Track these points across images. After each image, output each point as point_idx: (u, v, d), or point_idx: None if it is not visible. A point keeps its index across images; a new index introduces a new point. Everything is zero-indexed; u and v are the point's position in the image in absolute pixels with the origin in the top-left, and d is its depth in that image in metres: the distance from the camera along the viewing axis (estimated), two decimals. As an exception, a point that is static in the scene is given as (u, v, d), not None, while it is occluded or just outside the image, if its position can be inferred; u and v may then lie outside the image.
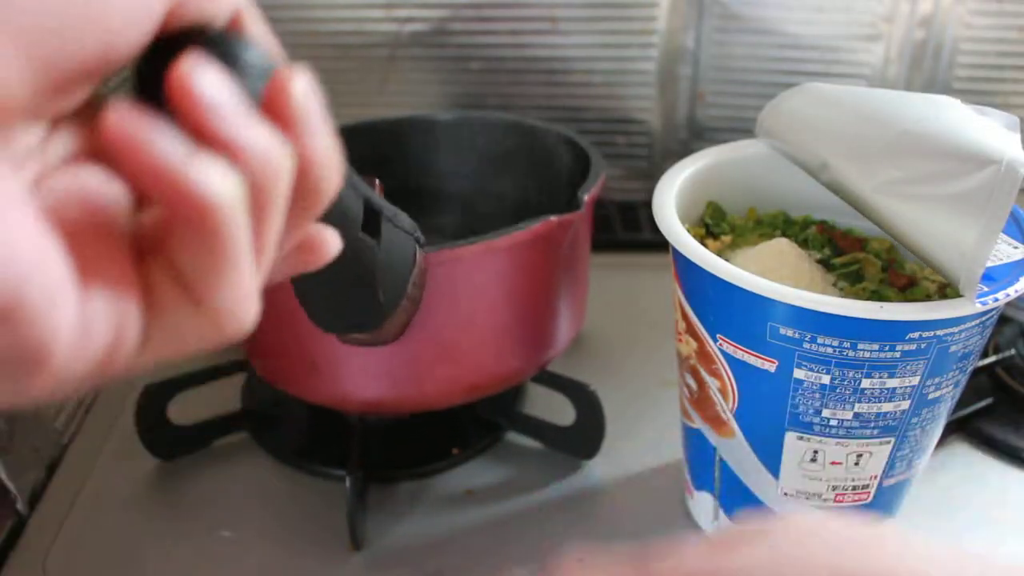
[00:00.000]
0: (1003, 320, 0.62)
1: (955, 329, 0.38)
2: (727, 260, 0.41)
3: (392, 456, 0.54)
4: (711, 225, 0.48)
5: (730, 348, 0.41)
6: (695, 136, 0.81)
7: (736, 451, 0.44)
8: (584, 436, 0.54)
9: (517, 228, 0.46)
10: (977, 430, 0.56)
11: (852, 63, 0.76)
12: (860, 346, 0.38)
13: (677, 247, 0.42)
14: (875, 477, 0.43)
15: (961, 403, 0.49)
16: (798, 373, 0.40)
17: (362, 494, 0.50)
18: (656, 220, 0.43)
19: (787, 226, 0.49)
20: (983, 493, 0.52)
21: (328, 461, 0.54)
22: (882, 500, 0.44)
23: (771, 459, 0.43)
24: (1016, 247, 0.40)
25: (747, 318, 0.40)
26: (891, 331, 0.37)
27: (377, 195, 0.36)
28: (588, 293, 0.57)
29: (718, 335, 0.42)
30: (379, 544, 0.49)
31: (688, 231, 0.42)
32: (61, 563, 0.48)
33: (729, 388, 0.43)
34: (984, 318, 0.39)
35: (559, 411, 0.54)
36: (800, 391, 0.40)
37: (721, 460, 0.46)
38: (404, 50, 0.78)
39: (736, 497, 0.46)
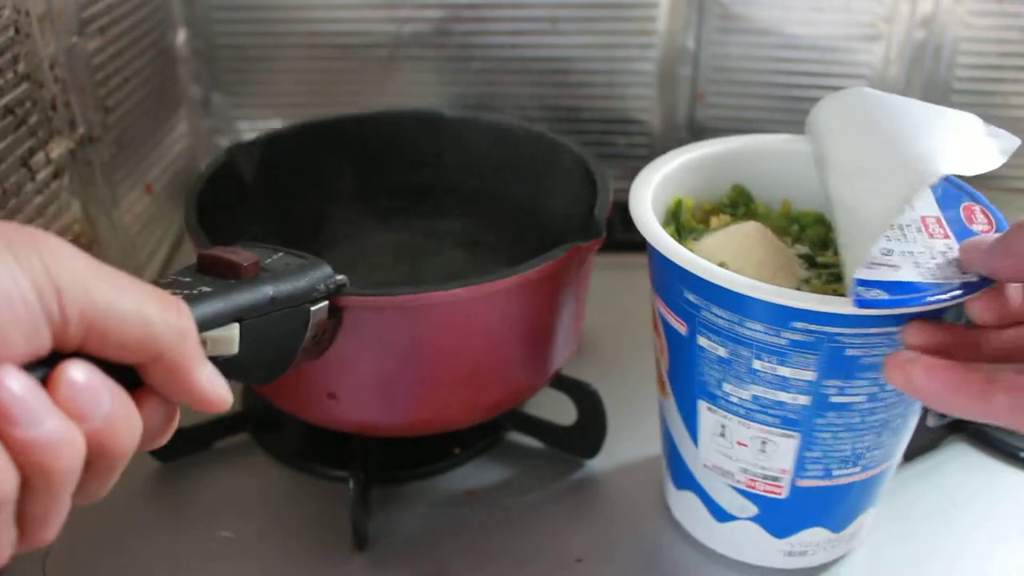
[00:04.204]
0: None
1: (846, 330, 0.37)
2: (704, 241, 0.44)
3: (393, 457, 0.54)
4: (727, 207, 0.49)
5: (663, 309, 0.44)
6: (695, 136, 0.81)
7: (671, 414, 0.46)
8: (586, 436, 0.54)
9: (544, 259, 0.45)
10: (977, 430, 0.56)
11: (852, 63, 0.76)
12: (747, 324, 0.39)
13: (634, 219, 0.43)
14: (785, 472, 0.43)
15: (961, 403, 0.49)
16: (700, 340, 0.41)
17: (364, 495, 0.50)
18: (630, 205, 0.44)
19: (786, 221, 0.49)
20: (983, 493, 0.53)
21: (329, 462, 0.54)
22: (801, 503, 0.44)
23: (692, 427, 0.45)
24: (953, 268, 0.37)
25: (666, 280, 0.42)
26: (774, 315, 0.38)
27: (243, 302, 0.36)
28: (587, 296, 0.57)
29: (658, 297, 0.44)
30: (381, 544, 0.49)
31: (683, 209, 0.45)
32: (61, 563, 0.48)
33: (664, 348, 0.45)
34: (888, 329, 0.37)
35: (560, 411, 0.54)
36: (704, 359, 0.42)
37: (665, 425, 0.48)
38: (404, 50, 0.78)
39: (676, 465, 0.48)
